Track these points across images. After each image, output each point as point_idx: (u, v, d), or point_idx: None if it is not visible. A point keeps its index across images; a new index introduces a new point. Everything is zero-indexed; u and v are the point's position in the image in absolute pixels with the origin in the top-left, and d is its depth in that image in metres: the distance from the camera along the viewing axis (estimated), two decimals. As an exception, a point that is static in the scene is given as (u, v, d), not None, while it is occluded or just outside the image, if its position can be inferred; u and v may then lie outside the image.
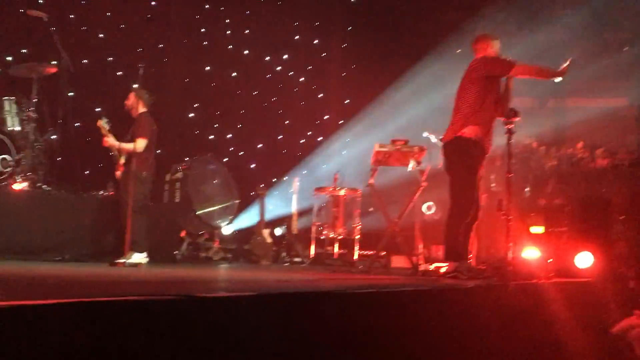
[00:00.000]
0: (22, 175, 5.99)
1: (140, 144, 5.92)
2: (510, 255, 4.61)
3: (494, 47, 4.96)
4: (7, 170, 5.79)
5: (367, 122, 9.27)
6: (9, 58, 7.94)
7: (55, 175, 6.74)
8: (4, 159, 5.79)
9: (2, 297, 1.77)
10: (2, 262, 5.01)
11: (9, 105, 6.21)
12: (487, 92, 4.77)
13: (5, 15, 8.22)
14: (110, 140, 5.96)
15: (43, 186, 6.22)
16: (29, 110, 6.25)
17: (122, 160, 6.10)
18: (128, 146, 6.02)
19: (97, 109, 8.58)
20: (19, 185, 5.92)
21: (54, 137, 6.66)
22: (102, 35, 8.63)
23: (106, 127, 5.95)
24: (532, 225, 6.81)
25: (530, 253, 5.92)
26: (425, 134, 5.98)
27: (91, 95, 8.53)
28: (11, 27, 8.26)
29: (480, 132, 4.76)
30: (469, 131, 4.74)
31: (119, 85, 8.19)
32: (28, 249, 5.57)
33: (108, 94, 8.37)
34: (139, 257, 5.71)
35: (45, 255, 5.65)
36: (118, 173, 6.22)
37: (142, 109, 6.18)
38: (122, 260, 5.50)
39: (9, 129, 6.11)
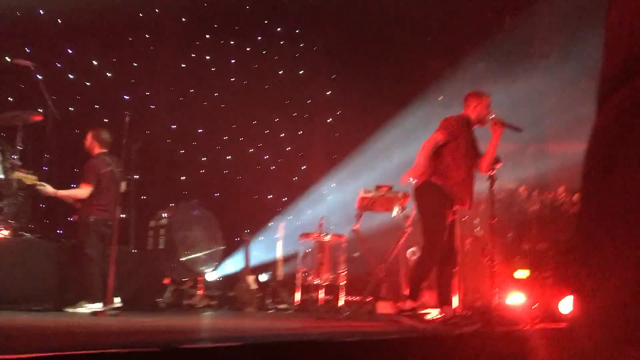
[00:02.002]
0: (4, 223, 5.93)
1: (82, 190, 5.90)
2: (496, 300, 4.62)
3: (479, 105, 5.08)
4: (-11, 218, 5.73)
5: (352, 167, 9.35)
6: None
7: (38, 223, 6.68)
8: (-14, 206, 5.74)
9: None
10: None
11: (-7, 152, 6.19)
12: (446, 148, 4.96)
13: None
14: (46, 189, 5.88)
15: (25, 234, 6.15)
16: (13, 158, 6.23)
17: (79, 205, 6.08)
18: (66, 193, 6.00)
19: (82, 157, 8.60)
20: (1, 233, 5.85)
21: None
22: (88, 83, 8.70)
23: (30, 176, 5.87)
24: (516, 269, 6.84)
25: (516, 298, 5.93)
26: (410, 180, 6.06)
27: (77, 143, 8.54)
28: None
29: (445, 180, 4.91)
30: (434, 177, 4.92)
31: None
32: (7, 298, 5.46)
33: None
34: (92, 307, 5.60)
35: (26, 304, 5.54)
36: (74, 217, 6.18)
37: (98, 150, 6.18)
38: (71, 310, 5.55)
39: (-8, 176, 6.07)
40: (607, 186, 0.91)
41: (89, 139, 6.22)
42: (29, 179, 5.84)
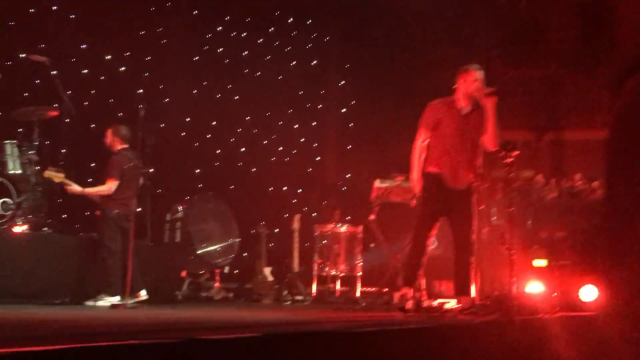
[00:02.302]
0: (23, 218, 5.99)
1: (108, 186, 5.96)
2: (514, 289, 4.57)
3: (464, 82, 4.95)
4: (7, 213, 5.79)
5: (368, 157, 9.30)
6: (11, 102, 8.02)
7: (56, 217, 6.74)
8: (4, 202, 5.80)
9: (3, 343, 1.75)
10: (1, 307, 4.97)
11: (11, 148, 6.24)
12: (434, 136, 4.99)
13: (8, 59, 8.35)
14: (73, 188, 5.99)
15: (44, 229, 6.21)
16: (30, 154, 6.28)
17: (99, 200, 6.15)
18: (93, 190, 6.08)
19: (99, 150, 8.66)
20: (20, 228, 5.92)
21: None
22: (102, 77, 8.73)
23: (58, 175, 5.96)
24: (534, 258, 6.78)
25: (534, 287, 5.88)
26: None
27: (93, 138, 8.60)
28: (13, 71, 8.37)
29: (439, 167, 4.93)
30: (429, 167, 5.01)
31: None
32: (28, 292, 5.53)
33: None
34: (111, 300, 5.66)
35: (46, 298, 5.60)
36: (98, 212, 6.25)
37: (119, 146, 6.23)
38: (91, 303, 5.62)
39: (10, 172, 6.13)
40: (632, 173, 0.89)
41: (109, 135, 6.27)
42: (58, 177, 5.93)
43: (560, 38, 10.16)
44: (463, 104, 4.96)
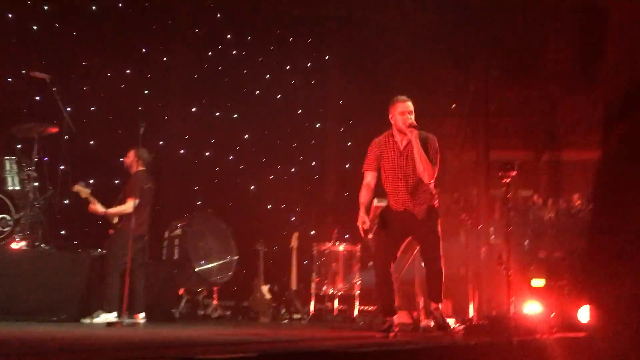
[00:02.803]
0: (21, 234, 5.99)
1: (129, 205, 5.99)
2: (512, 309, 4.57)
3: (392, 114, 4.89)
4: (6, 229, 5.79)
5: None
6: (11, 118, 8.05)
7: (54, 234, 6.74)
8: (3, 218, 5.81)
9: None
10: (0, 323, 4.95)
11: (10, 164, 6.27)
12: (380, 170, 4.99)
13: (8, 75, 8.39)
14: (96, 207, 6.06)
15: (41, 245, 6.21)
16: (29, 170, 6.30)
17: (115, 220, 6.18)
18: (115, 210, 6.11)
19: (97, 168, 8.68)
20: (17, 245, 5.91)
21: (52, 195, 6.69)
22: (102, 94, 8.77)
23: (86, 190, 6.02)
24: (532, 278, 6.77)
25: (532, 307, 5.86)
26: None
27: (91, 154, 8.62)
28: (13, 87, 8.42)
29: (389, 198, 4.97)
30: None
31: (120, 144, 8.29)
32: (26, 309, 5.51)
33: (108, 153, 8.46)
34: (107, 317, 5.65)
35: (42, 315, 5.57)
36: (111, 232, 6.28)
37: (140, 167, 6.28)
38: (88, 320, 5.65)
39: (9, 188, 6.15)
40: (614, 209, 0.94)
41: (131, 156, 6.32)
42: (85, 192, 5.98)
43: (559, 58, 10.25)
44: (398, 137, 4.89)
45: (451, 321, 6.14)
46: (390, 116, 4.88)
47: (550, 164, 10.32)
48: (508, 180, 4.70)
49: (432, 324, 5.79)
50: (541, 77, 10.20)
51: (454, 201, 8.46)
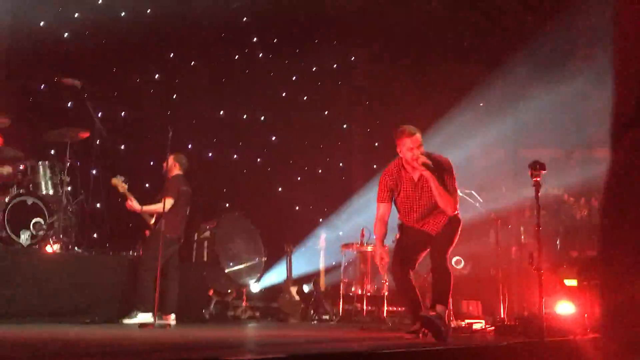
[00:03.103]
0: (55, 238, 6.11)
1: (167, 203, 6.06)
2: (543, 310, 4.50)
3: (400, 147, 4.73)
4: (40, 233, 5.91)
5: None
6: (45, 124, 8.23)
7: (87, 237, 6.87)
8: (37, 222, 5.92)
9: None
10: (34, 326, 5.06)
11: (44, 169, 6.40)
12: (395, 199, 4.89)
13: (41, 82, 8.59)
14: (134, 205, 6.15)
15: (74, 248, 6.33)
16: (62, 174, 6.43)
17: (152, 222, 6.26)
18: (151, 208, 6.19)
19: (127, 171, 8.81)
20: (51, 248, 6.04)
21: (85, 198, 6.81)
22: (132, 100, 8.92)
23: (124, 185, 6.11)
24: (565, 278, 6.66)
25: (565, 308, 5.76)
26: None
27: (121, 158, 8.77)
28: (46, 93, 8.61)
29: (405, 220, 4.89)
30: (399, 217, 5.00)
31: (149, 148, 8.42)
32: (59, 311, 5.61)
33: (138, 157, 8.60)
34: (144, 317, 5.72)
35: (76, 317, 5.68)
36: (147, 232, 6.36)
37: (177, 172, 6.38)
38: (127, 320, 5.74)
39: (43, 192, 6.28)
40: (625, 220, 0.94)
41: (170, 160, 6.42)
42: (123, 187, 6.09)
43: (588, 54, 10.06)
44: (410, 169, 4.74)
45: (481, 322, 6.10)
46: (397, 149, 4.74)
47: (581, 162, 10.14)
48: (538, 178, 4.64)
49: (462, 324, 5.76)
50: (571, 73, 10.02)
51: (483, 201, 8.38)
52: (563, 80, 9.98)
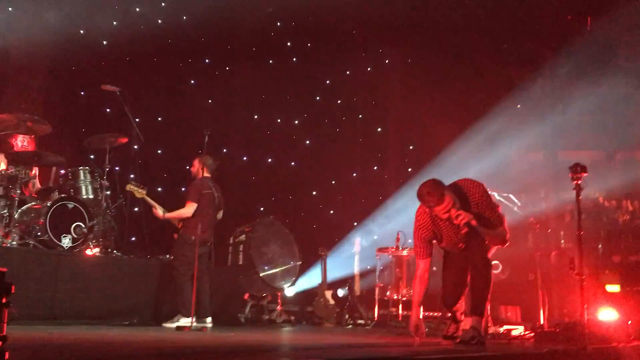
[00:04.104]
0: (95, 241, 6.23)
1: (187, 208, 6.11)
2: (585, 316, 4.38)
3: (439, 214, 4.30)
4: (80, 236, 6.03)
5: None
6: (84, 130, 8.43)
7: (125, 240, 6.99)
8: (78, 225, 6.04)
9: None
10: (74, 327, 5.16)
11: (84, 174, 6.54)
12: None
13: (81, 89, 8.80)
14: (157, 211, 6.25)
15: (114, 251, 6.44)
16: (102, 179, 6.56)
17: (179, 225, 6.32)
18: (174, 214, 6.24)
19: (164, 175, 8.95)
20: (91, 251, 6.16)
21: (124, 203, 6.93)
22: (168, 105, 9.06)
23: (140, 190, 6.16)
24: (607, 283, 6.48)
25: (607, 314, 5.60)
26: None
27: (159, 163, 8.91)
28: (86, 100, 8.82)
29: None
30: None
31: (186, 152, 8.53)
32: (98, 313, 5.72)
33: (175, 161, 8.72)
34: (185, 321, 5.76)
35: (115, 319, 5.77)
36: (176, 235, 6.43)
37: (204, 174, 6.40)
38: (169, 324, 5.81)
39: (83, 197, 6.41)
40: None
41: (196, 164, 6.47)
42: (140, 192, 6.17)
43: (629, 54, 9.81)
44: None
45: (520, 328, 5.97)
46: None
47: (623, 164, 9.87)
48: (579, 181, 4.52)
49: (500, 330, 5.65)
50: (612, 74, 9.78)
51: (522, 204, 8.23)
52: (604, 81, 9.74)
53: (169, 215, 6.27)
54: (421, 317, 7.04)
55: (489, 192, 4.50)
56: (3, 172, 6.12)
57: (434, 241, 4.52)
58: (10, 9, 8.22)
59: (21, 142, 6.64)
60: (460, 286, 4.58)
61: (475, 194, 4.32)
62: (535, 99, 9.27)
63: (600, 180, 8.06)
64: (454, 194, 4.18)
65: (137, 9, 9.06)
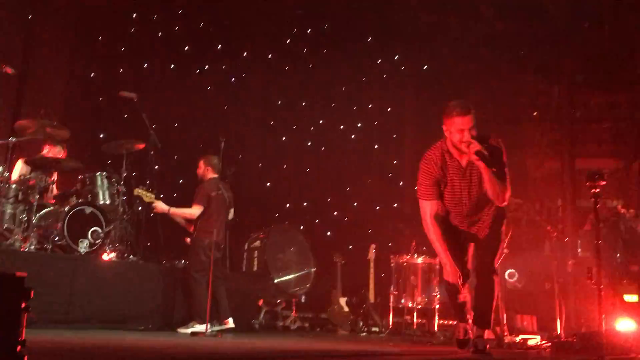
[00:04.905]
0: (111, 246, 6.28)
1: (192, 210, 6.13)
2: (603, 327, 4.33)
3: (447, 128, 4.07)
4: (97, 241, 6.09)
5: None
6: (102, 136, 8.52)
7: (142, 245, 7.03)
8: (95, 230, 6.10)
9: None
10: (89, 332, 5.20)
11: (101, 180, 6.60)
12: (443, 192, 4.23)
13: (101, 95, 8.91)
14: (161, 205, 6.21)
15: (130, 256, 6.49)
16: (118, 185, 6.62)
17: (192, 228, 6.33)
18: (178, 211, 6.25)
19: (180, 181, 9.00)
20: (108, 256, 6.21)
21: (140, 208, 6.98)
22: (185, 111, 9.13)
23: (149, 195, 6.19)
24: (625, 293, 6.40)
25: (625, 325, 5.53)
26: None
27: (176, 169, 8.97)
28: (104, 107, 8.92)
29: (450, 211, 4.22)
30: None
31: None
32: (114, 318, 5.76)
33: (191, 167, 8.76)
34: (200, 328, 5.75)
35: (130, 324, 5.81)
36: (188, 240, 6.44)
37: (211, 175, 6.40)
38: (183, 330, 5.84)
39: (100, 202, 6.47)
40: None
41: (201, 165, 6.48)
42: (148, 197, 6.21)
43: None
44: (456, 153, 4.04)
45: (537, 338, 5.91)
46: (444, 128, 4.04)
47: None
48: (597, 190, 4.48)
49: (516, 339, 5.59)
50: (630, 82, 9.69)
51: (537, 212, 8.16)
52: (620, 88, 9.65)
53: (173, 210, 6.28)
54: (436, 326, 7.03)
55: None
56: (23, 178, 6.20)
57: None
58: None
59: (52, 152, 6.68)
60: (460, 265, 4.14)
61: (498, 147, 4.02)
62: (552, 105, 9.21)
63: (617, 189, 7.98)
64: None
65: (155, 17, 9.17)
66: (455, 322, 6.81)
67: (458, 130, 3.90)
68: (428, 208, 4.08)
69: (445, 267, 4.11)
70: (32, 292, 2.13)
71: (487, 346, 4.10)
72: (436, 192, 4.06)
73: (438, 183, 4.06)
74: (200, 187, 6.36)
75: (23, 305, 2.09)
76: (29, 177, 6.15)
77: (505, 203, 4.03)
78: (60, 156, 6.66)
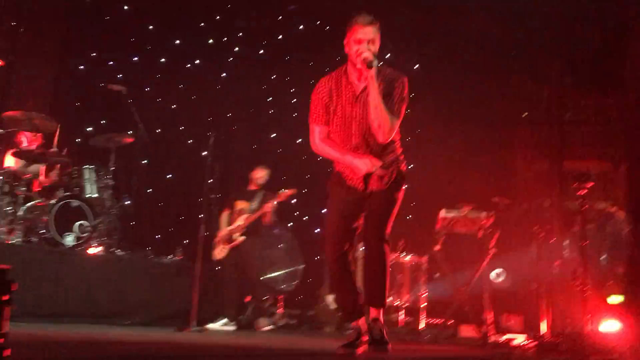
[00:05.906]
0: (98, 240, 6.25)
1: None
2: (588, 327, 4.36)
3: (347, 40, 3.64)
4: (84, 235, 6.05)
5: (434, 186, 9.17)
6: (90, 129, 8.45)
7: (129, 240, 7.00)
8: (81, 224, 6.06)
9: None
10: (74, 326, 5.17)
11: (89, 173, 6.56)
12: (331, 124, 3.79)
13: (87, 88, 8.83)
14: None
15: (117, 250, 6.45)
16: (106, 178, 6.58)
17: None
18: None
19: (168, 176, 8.95)
20: (94, 250, 6.17)
21: (128, 202, 6.95)
22: (174, 106, 9.08)
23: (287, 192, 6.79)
24: (610, 294, 6.45)
25: (610, 325, 5.57)
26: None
27: (164, 163, 8.92)
28: (92, 100, 8.84)
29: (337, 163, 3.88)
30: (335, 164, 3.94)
31: (191, 153, 8.55)
32: (99, 312, 5.72)
33: (180, 162, 8.73)
34: (221, 322, 6.26)
35: (115, 319, 5.78)
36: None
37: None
38: (211, 325, 6.22)
39: (87, 195, 6.43)
40: None
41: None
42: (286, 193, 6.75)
43: (638, 65, 9.76)
44: (354, 76, 3.60)
45: (522, 337, 5.95)
46: (345, 42, 3.61)
47: (629, 175, 9.82)
48: (584, 191, 4.51)
49: (501, 339, 5.62)
50: (619, 84, 9.75)
51: (525, 212, 8.20)
52: (609, 91, 9.70)
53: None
54: (423, 324, 7.05)
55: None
56: (9, 170, 6.14)
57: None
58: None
59: (27, 139, 6.66)
60: (343, 236, 3.78)
61: (398, 77, 3.62)
62: (541, 107, 9.25)
63: (604, 191, 8.04)
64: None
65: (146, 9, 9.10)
66: (442, 321, 6.86)
67: (356, 40, 3.49)
68: (317, 132, 3.71)
69: (351, 164, 3.62)
70: (15, 285, 2.11)
71: (385, 333, 3.59)
72: (323, 118, 3.67)
73: (327, 107, 3.66)
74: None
75: (5, 298, 2.06)
76: (17, 169, 6.09)
77: (386, 139, 3.57)
78: (37, 143, 6.63)
